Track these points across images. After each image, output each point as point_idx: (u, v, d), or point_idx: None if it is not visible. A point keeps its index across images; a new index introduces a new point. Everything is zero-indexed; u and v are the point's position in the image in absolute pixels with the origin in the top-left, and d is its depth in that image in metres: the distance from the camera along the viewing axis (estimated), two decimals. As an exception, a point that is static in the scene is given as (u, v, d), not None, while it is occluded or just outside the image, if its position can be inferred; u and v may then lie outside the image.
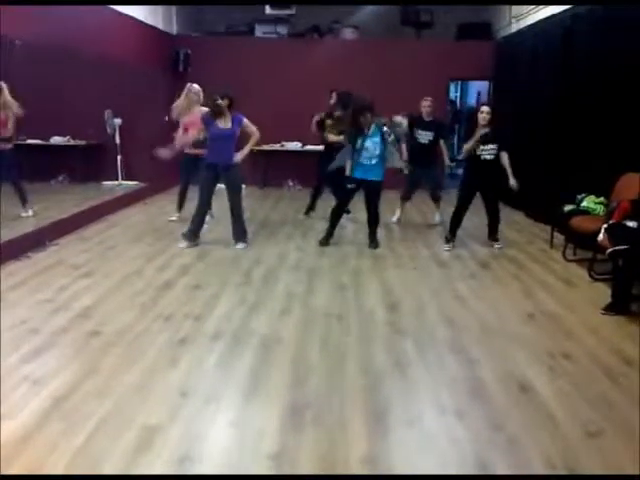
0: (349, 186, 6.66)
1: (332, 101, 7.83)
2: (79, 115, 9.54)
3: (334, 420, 3.01)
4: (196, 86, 7.36)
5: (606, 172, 6.05)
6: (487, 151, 6.42)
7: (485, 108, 6.47)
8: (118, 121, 9.80)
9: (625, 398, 3.29)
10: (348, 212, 7.97)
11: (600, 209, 5.94)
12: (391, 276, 5.62)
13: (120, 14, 8.60)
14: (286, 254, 6.32)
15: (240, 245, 6.53)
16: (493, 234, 6.84)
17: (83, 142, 9.90)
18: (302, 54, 10.96)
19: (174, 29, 11.00)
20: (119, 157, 9.93)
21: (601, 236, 5.04)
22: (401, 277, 5.61)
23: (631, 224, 4.89)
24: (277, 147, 11.09)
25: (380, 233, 6.91)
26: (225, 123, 6.31)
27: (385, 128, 6.56)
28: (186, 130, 7.22)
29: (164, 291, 5.01)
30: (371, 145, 6.50)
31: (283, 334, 4.14)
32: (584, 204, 6.10)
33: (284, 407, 3.13)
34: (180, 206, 7.72)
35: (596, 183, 6.20)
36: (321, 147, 8.19)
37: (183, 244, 6.47)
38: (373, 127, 6.51)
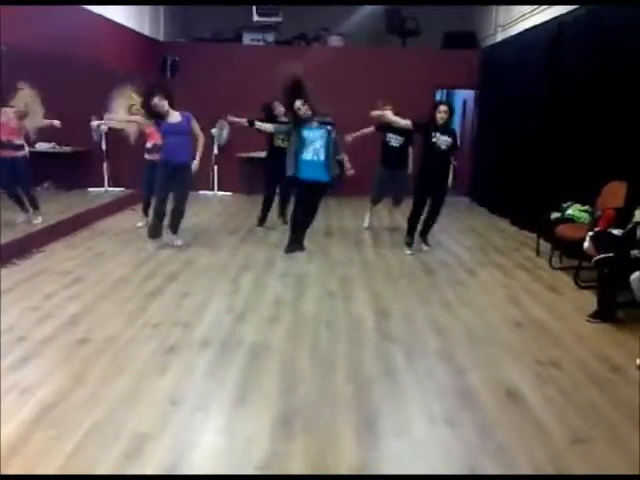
0: (297, 186, 6.58)
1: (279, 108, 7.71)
2: (65, 121, 9.48)
3: (324, 429, 3.02)
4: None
5: (591, 180, 6.12)
6: (443, 141, 6.50)
7: (443, 107, 6.55)
8: (104, 128, 9.75)
9: (612, 405, 3.32)
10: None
11: (585, 217, 6.00)
12: (379, 283, 5.64)
13: (107, 20, 8.58)
14: (274, 261, 6.32)
15: (177, 241, 6.70)
16: (426, 234, 6.96)
17: (69, 149, 9.84)
18: (289, 61, 10.95)
19: (161, 35, 10.99)
20: (105, 164, 9.90)
21: (587, 244, 5.10)
22: (389, 284, 5.63)
23: (616, 232, 4.95)
24: (264, 154, 11.06)
25: (367, 239, 6.94)
26: (174, 118, 6.40)
27: (329, 127, 6.38)
28: (150, 138, 7.39)
29: (152, 298, 4.99)
30: (311, 136, 6.33)
31: (272, 341, 4.14)
32: (569, 212, 6.16)
33: (274, 415, 3.13)
34: (146, 212, 7.68)
35: (581, 191, 6.27)
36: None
37: (151, 245, 6.61)
38: (315, 121, 6.36)
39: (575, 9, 7.06)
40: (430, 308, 4.95)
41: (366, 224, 8.21)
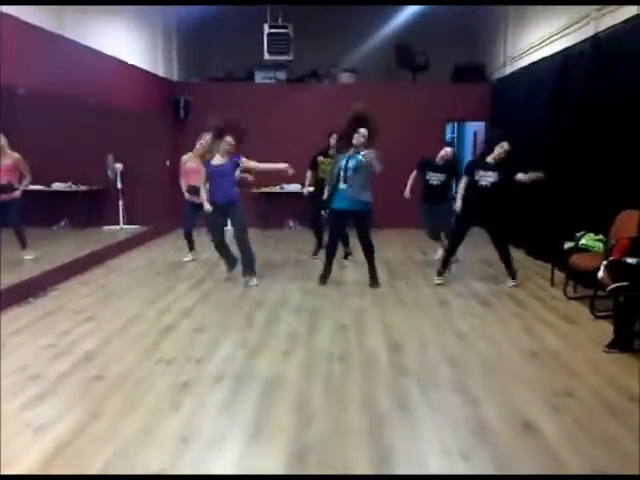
0: (330, 216, 6.81)
1: (333, 141, 7.87)
2: (81, 161, 9.65)
3: (338, 463, 2.99)
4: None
5: (604, 209, 6.09)
6: (485, 178, 6.53)
7: (506, 145, 6.66)
8: (119, 166, 9.92)
9: (629, 435, 3.26)
10: (349, 253, 8.01)
11: (599, 246, 5.96)
12: (393, 315, 5.61)
13: (122, 62, 8.78)
14: (288, 295, 6.32)
15: (252, 282, 6.70)
16: (508, 269, 6.82)
17: (85, 187, 9.98)
18: (300, 98, 11.13)
19: (175, 76, 11.20)
20: (120, 202, 10.02)
21: (601, 273, 5.05)
22: (403, 316, 5.60)
23: (631, 261, 4.91)
24: (277, 189, 11.20)
25: (381, 272, 6.92)
26: (219, 160, 6.51)
27: (361, 157, 6.41)
28: (186, 175, 7.72)
29: (166, 334, 5.01)
30: (347, 167, 6.46)
31: (286, 376, 4.13)
32: (583, 242, 6.13)
33: (288, 451, 3.10)
34: (191, 247, 8.08)
35: (595, 220, 6.25)
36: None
37: (227, 274, 6.95)
38: (354, 153, 6.49)
39: (581, 42, 7.13)
40: (444, 339, 4.92)
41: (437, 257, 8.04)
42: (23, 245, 7.35)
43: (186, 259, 8.08)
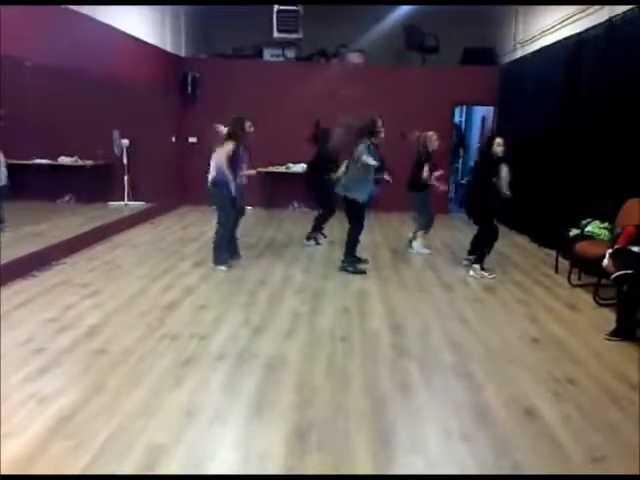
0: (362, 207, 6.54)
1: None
2: (87, 135, 9.63)
3: (339, 443, 3.01)
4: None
5: (611, 197, 6.06)
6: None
7: (500, 140, 6.40)
8: (126, 142, 9.90)
9: (630, 423, 3.27)
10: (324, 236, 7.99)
11: (605, 234, 5.95)
12: (396, 299, 5.62)
13: (130, 36, 8.71)
14: (291, 276, 6.33)
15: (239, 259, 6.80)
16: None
17: (90, 162, 9.97)
18: (309, 77, 11.05)
19: (183, 51, 11.12)
20: (126, 177, 10.02)
21: (606, 261, 5.05)
22: (406, 300, 5.61)
23: (636, 249, 4.91)
24: (283, 169, 11.16)
25: (385, 256, 6.92)
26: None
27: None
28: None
29: (169, 311, 5.03)
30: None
31: (288, 355, 4.15)
32: (589, 229, 6.11)
33: (289, 429, 3.12)
34: None
35: (601, 208, 6.21)
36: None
37: (222, 268, 6.47)
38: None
39: (594, 26, 7.05)
40: (447, 324, 4.93)
41: (427, 251, 7.70)
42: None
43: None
